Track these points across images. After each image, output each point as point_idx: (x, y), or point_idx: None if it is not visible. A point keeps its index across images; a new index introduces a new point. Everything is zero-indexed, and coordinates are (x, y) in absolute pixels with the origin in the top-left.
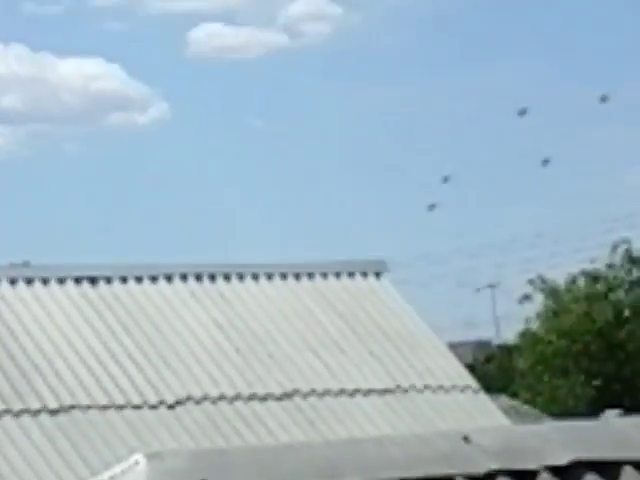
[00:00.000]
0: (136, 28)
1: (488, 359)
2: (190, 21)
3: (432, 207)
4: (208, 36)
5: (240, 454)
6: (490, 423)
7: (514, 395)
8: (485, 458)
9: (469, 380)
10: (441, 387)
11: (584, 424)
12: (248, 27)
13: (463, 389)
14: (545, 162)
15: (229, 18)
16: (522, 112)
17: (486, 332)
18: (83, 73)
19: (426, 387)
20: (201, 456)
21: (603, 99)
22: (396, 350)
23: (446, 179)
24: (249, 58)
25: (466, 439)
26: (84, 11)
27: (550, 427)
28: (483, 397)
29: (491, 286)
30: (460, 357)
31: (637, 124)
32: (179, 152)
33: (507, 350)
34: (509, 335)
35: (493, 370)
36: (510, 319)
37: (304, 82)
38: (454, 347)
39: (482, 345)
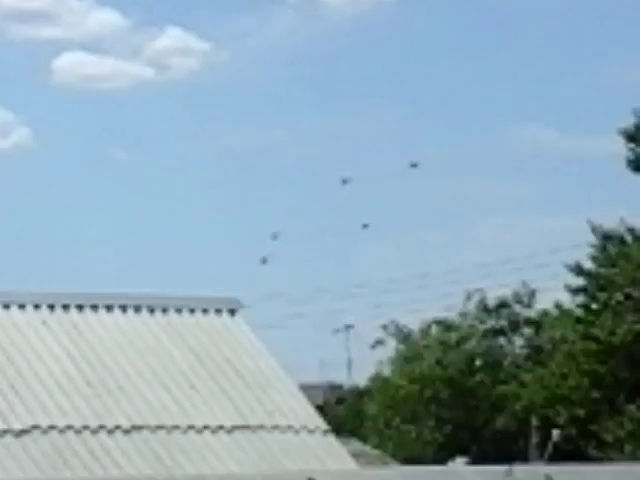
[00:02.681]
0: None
1: (339, 401)
2: (55, 48)
3: (264, 261)
4: (73, 64)
5: None
6: (337, 465)
7: (364, 439)
8: None
9: (319, 422)
10: (290, 427)
11: (430, 470)
12: (114, 58)
13: (312, 430)
14: (364, 226)
15: (95, 47)
16: (345, 181)
17: (338, 375)
18: None
19: (275, 427)
20: None
21: (413, 165)
22: (247, 388)
23: (275, 236)
24: (114, 88)
25: None
26: None
27: (395, 472)
28: (332, 439)
29: (347, 328)
30: (311, 398)
31: (485, 176)
32: (39, 179)
33: (358, 393)
34: (361, 379)
35: (344, 413)
36: (362, 363)
37: (167, 116)
38: (306, 388)
39: (334, 387)
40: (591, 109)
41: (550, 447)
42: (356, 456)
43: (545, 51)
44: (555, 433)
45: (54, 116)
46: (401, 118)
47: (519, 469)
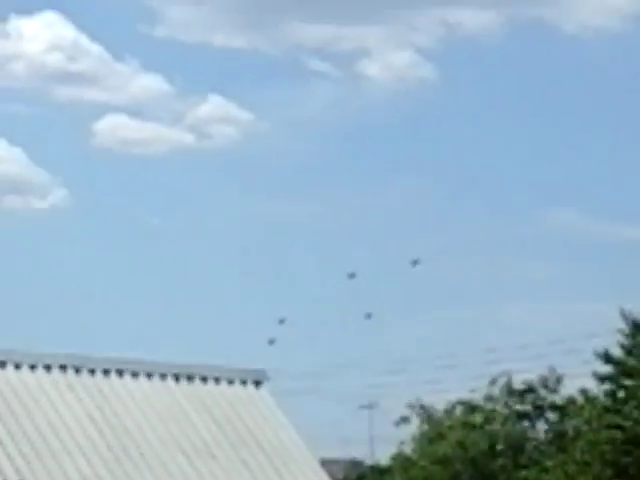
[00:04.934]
0: (42, 113)
1: (359, 478)
2: (97, 111)
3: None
4: (114, 128)
5: None
6: None
7: None
8: None
9: None
10: None
11: None
12: (155, 123)
13: None
14: (414, 262)
15: (136, 112)
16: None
17: (360, 451)
18: None
19: None
20: None
21: (415, 262)
22: (268, 461)
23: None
24: (153, 154)
25: None
26: None
27: None
28: None
29: (369, 406)
30: (332, 474)
31: (518, 258)
32: (74, 241)
33: (379, 471)
34: (382, 456)
35: None
36: (385, 440)
37: (205, 183)
38: (327, 463)
39: (355, 464)
40: (625, 195)
41: None
42: None
43: (586, 136)
44: None
45: (92, 178)
46: (436, 196)
47: None
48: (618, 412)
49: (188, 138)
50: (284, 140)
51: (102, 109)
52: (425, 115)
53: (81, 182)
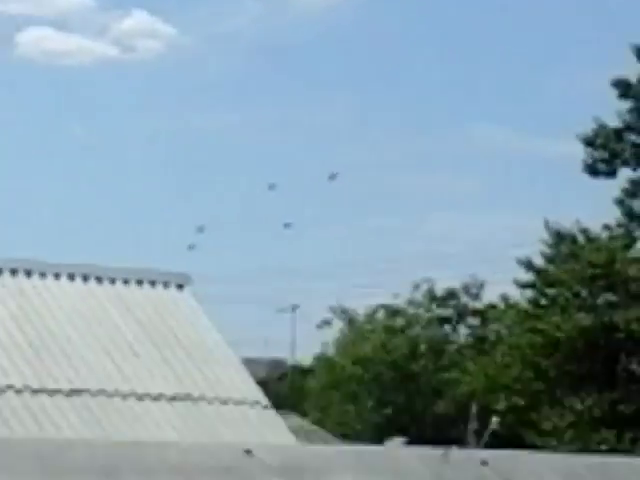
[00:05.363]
0: None
1: (281, 377)
2: (20, 23)
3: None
4: (37, 40)
5: (20, 445)
6: (276, 439)
7: (304, 414)
8: (265, 473)
9: (259, 396)
10: (231, 399)
11: (366, 449)
12: (79, 35)
13: (253, 404)
14: (332, 176)
15: (61, 25)
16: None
17: (282, 352)
18: None
19: (216, 398)
20: None
21: (332, 177)
22: (190, 359)
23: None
24: (77, 65)
25: (248, 452)
26: None
27: (333, 450)
28: (271, 413)
29: (291, 309)
30: (254, 373)
31: (440, 171)
32: None
33: (300, 371)
34: (304, 357)
35: (285, 389)
36: (307, 343)
37: (128, 96)
38: (249, 363)
39: (277, 363)
40: (547, 112)
41: (488, 433)
42: (295, 431)
43: (509, 51)
44: (494, 420)
45: (15, 90)
46: (360, 112)
47: (455, 453)
48: (539, 318)
49: (112, 51)
50: (207, 55)
51: (25, 21)
52: (348, 31)
53: (4, 93)
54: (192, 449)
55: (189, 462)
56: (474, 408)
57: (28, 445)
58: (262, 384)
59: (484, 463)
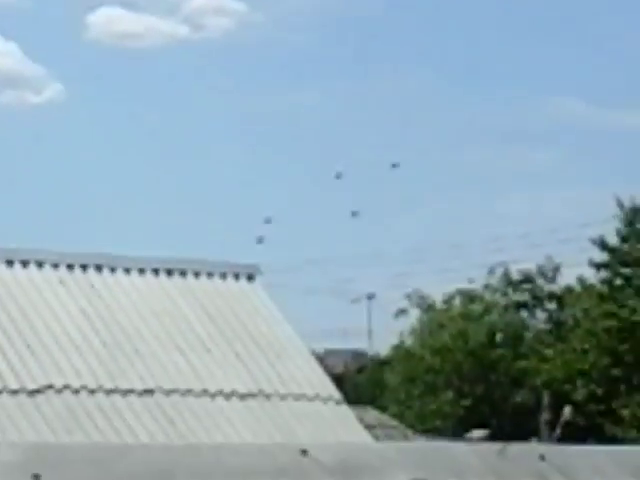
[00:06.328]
0: (34, 5)
1: (360, 370)
2: (90, 3)
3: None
4: (107, 21)
5: (76, 451)
6: (349, 436)
7: (383, 408)
8: (320, 473)
9: (332, 391)
10: (304, 395)
11: (425, 446)
12: (149, 15)
13: (326, 399)
14: (355, 214)
15: (130, 4)
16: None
17: (360, 343)
18: None
19: (289, 394)
20: (37, 450)
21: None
22: (262, 355)
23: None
24: (148, 46)
25: (304, 452)
26: None
27: (391, 447)
28: (345, 408)
29: (369, 297)
30: (333, 366)
31: (514, 146)
32: (70, 136)
33: (379, 363)
34: (382, 348)
35: (364, 381)
36: (384, 332)
37: (201, 76)
38: (329, 354)
39: (357, 355)
40: (625, 84)
41: (560, 424)
42: (373, 426)
43: (587, 22)
44: (566, 410)
45: (87, 72)
46: (433, 87)
47: (513, 448)
48: (614, 300)
49: (183, 30)
50: (279, 31)
51: (94, 1)
52: (418, 4)
53: (76, 76)
54: (247, 450)
55: (244, 464)
56: (546, 398)
57: (83, 451)
58: (341, 377)
59: (542, 458)
